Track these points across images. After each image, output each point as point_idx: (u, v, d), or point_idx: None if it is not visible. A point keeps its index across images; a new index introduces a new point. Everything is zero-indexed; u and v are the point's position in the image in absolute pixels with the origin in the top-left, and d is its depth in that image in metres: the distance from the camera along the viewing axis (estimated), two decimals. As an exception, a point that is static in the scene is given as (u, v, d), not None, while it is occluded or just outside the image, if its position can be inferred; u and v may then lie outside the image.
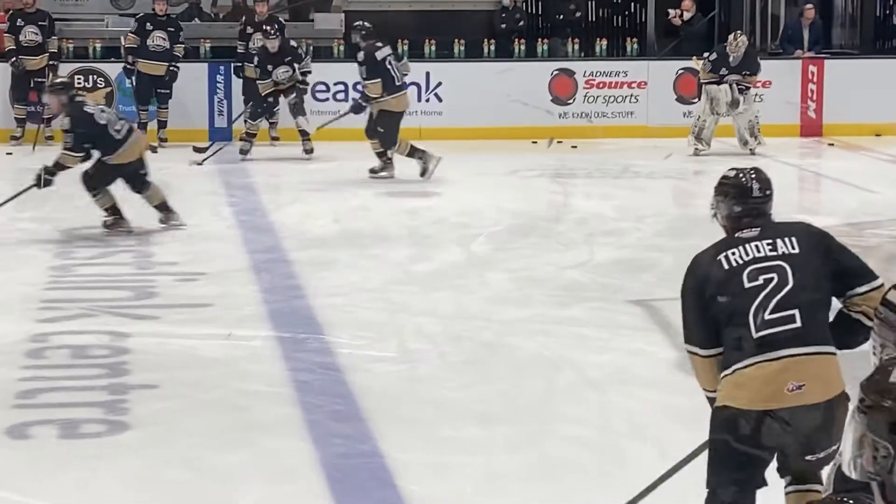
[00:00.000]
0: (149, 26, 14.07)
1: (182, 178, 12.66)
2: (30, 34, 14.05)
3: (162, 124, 14.05)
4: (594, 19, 17.52)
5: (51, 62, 14.09)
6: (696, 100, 14.55)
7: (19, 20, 14.17)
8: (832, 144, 14.81)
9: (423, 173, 11.51)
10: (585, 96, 15.08)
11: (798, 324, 4.10)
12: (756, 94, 14.22)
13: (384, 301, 8.20)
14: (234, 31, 14.66)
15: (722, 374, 4.20)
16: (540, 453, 5.25)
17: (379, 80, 11.60)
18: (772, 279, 4.13)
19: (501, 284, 8.56)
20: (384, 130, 11.74)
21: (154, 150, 13.48)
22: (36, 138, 13.79)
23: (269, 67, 13.25)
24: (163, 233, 10.14)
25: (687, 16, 16.13)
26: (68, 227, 10.27)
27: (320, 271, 9.05)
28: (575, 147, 13.84)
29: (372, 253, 9.51)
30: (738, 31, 14.77)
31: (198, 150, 13.49)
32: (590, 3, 17.44)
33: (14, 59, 14.05)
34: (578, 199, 10.97)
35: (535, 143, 13.91)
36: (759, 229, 4.28)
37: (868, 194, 12.03)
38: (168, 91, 14.05)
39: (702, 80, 14.06)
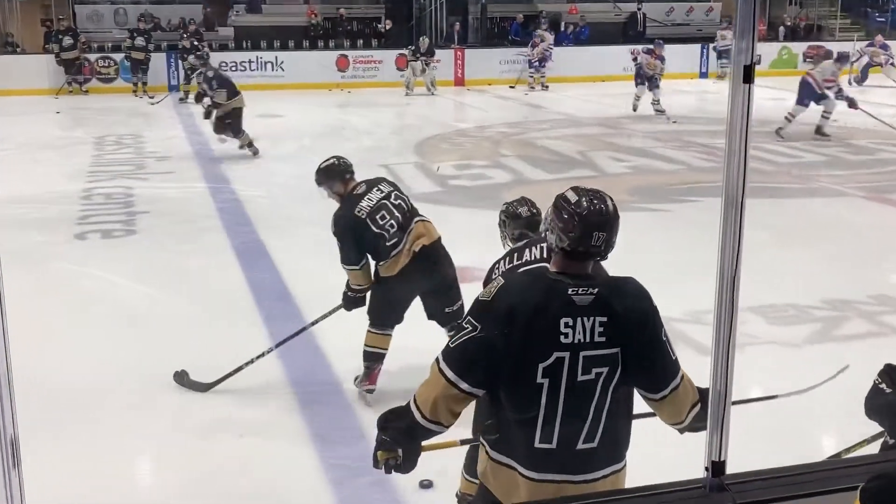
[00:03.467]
0: (136, 34, 14.73)
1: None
2: (66, 41, 14.54)
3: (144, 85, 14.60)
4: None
5: (81, 54, 14.64)
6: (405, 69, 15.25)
7: (58, 34, 14.79)
8: (469, 90, 15.55)
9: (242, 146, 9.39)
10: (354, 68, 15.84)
11: None
12: (435, 66, 15.15)
13: (257, 168, 8.96)
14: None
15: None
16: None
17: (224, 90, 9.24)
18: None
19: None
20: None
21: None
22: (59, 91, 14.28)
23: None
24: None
25: (389, 25, 17.28)
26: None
27: (234, 164, 9.12)
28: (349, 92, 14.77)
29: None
30: (423, 36, 15.88)
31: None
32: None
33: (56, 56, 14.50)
34: (355, 118, 11.99)
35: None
36: None
37: (483, 113, 12.59)
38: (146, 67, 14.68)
39: (408, 59, 15.05)
